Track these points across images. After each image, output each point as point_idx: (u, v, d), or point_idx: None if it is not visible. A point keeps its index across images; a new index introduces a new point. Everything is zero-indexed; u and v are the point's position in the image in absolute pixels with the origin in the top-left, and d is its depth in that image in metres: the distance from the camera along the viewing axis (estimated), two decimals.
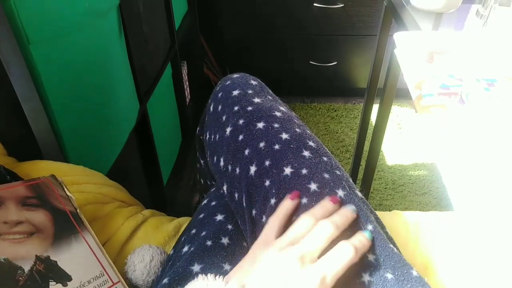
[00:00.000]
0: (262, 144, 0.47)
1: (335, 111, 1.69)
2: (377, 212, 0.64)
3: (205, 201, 0.57)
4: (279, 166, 0.44)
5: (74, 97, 0.60)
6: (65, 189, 0.51)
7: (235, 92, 0.53)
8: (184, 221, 0.64)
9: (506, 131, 0.46)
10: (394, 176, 1.39)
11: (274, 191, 0.43)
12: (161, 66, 1.02)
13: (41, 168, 0.54)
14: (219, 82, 0.59)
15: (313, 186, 0.43)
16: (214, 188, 0.58)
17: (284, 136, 0.47)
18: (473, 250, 0.55)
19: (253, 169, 0.46)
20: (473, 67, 0.54)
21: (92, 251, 0.44)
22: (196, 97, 1.51)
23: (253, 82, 0.56)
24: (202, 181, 0.73)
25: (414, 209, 1.26)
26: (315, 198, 0.42)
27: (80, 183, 0.60)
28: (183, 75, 1.30)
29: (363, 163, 1.34)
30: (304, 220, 0.39)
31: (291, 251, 0.35)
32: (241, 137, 0.49)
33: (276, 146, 0.46)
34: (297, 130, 0.48)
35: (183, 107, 1.26)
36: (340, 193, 0.42)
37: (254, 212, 0.45)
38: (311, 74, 1.66)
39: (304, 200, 0.42)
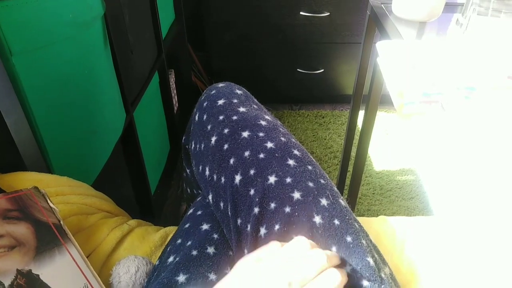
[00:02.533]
0: (247, 153, 0.47)
1: (323, 117, 1.71)
2: (364, 218, 0.64)
3: (191, 211, 0.57)
4: (264, 174, 0.45)
5: (58, 108, 0.60)
6: (48, 201, 0.50)
7: (220, 102, 0.54)
8: (171, 230, 0.63)
9: (485, 138, 0.47)
10: (382, 182, 1.41)
11: (257, 199, 0.44)
12: (148, 75, 1.02)
13: (24, 180, 0.54)
14: (204, 91, 0.59)
15: (296, 195, 0.43)
16: (200, 198, 0.58)
17: (269, 145, 0.47)
18: (456, 254, 0.56)
19: (238, 178, 0.46)
20: (453, 76, 0.55)
21: (76, 263, 0.43)
22: (184, 105, 1.50)
23: (238, 92, 0.56)
24: (188, 190, 0.73)
25: (402, 214, 1.27)
26: (297, 207, 0.42)
27: (65, 194, 0.59)
28: (171, 84, 1.30)
29: (350, 168, 1.35)
30: (300, 243, 0.38)
31: (282, 273, 0.35)
32: (226, 146, 0.49)
33: (261, 155, 0.46)
34: (282, 139, 0.49)
35: (171, 116, 1.26)
36: (324, 202, 0.43)
37: (239, 221, 0.45)
38: (299, 81, 1.68)
39: (287, 209, 0.42)
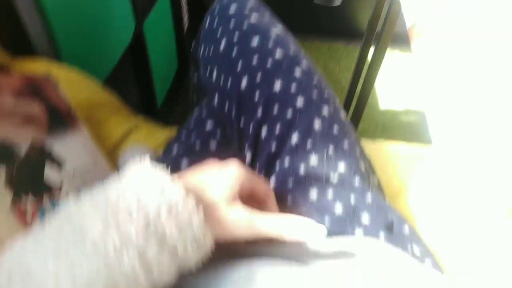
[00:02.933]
0: (255, 59, 0.48)
1: (336, 51, 1.67)
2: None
3: (195, 114, 0.59)
4: (270, 80, 0.46)
5: (71, 5, 0.59)
6: (59, 91, 0.52)
7: (232, 8, 0.53)
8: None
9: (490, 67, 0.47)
10: (385, 119, 1.42)
11: (261, 103, 0.45)
12: None
13: (36, 67, 0.55)
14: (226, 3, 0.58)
15: (299, 102, 0.44)
16: (204, 101, 0.60)
17: (278, 53, 0.48)
18: (446, 179, 0.59)
19: (244, 82, 0.47)
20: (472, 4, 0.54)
21: (87, 143, 0.46)
22: (194, 26, 1.47)
23: (252, 1, 0.55)
24: (195, 99, 0.75)
25: None
26: (299, 113, 0.44)
27: (75, 85, 0.61)
28: (182, 2, 1.26)
29: (355, 103, 1.35)
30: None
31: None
32: (235, 51, 0.49)
33: (269, 62, 0.47)
34: (292, 47, 0.49)
35: (180, 34, 1.24)
36: (325, 111, 0.44)
37: (242, 122, 0.48)
38: (315, 12, 1.62)
39: (289, 114, 0.44)
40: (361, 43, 1.13)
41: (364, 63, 1.17)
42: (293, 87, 0.45)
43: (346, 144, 0.43)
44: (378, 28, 1.02)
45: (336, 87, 1.50)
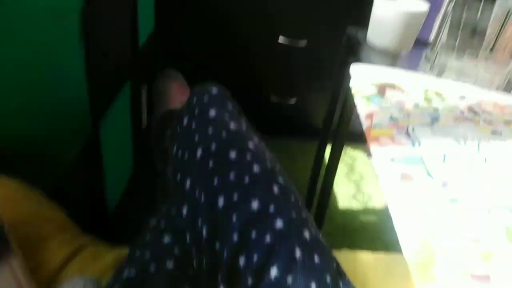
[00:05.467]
0: (232, 176, 0.45)
1: (292, 150, 1.71)
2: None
3: (153, 221, 0.54)
4: (247, 200, 0.43)
5: (18, 101, 0.56)
6: None
7: (212, 113, 0.52)
8: (126, 252, 0.59)
9: (451, 165, 0.47)
10: (346, 220, 1.40)
11: (238, 226, 0.42)
12: (120, 84, 0.99)
13: None
14: (196, 92, 0.58)
15: (279, 224, 0.41)
16: (164, 209, 0.55)
17: (256, 169, 0.46)
18: None
19: (221, 201, 0.44)
20: (420, 103, 0.57)
21: (17, 280, 0.38)
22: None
23: (230, 106, 0.56)
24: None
25: None
26: (279, 238, 0.40)
27: (14, 199, 0.55)
28: (142, 99, 1.27)
29: (315, 204, 1.34)
30: None
31: None
32: (211, 163, 0.47)
33: (246, 179, 0.45)
34: (269, 164, 0.48)
35: (138, 132, 1.22)
36: (306, 235, 0.41)
37: (217, 245, 0.43)
38: (271, 111, 1.67)
39: (268, 239, 0.40)
40: (317, 141, 1.16)
41: (322, 161, 1.19)
42: (272, 207, 0.42)
43: (328, 278, 0.39)
44: (334, 125, 1.06)
45: (295, 187, 1.50)
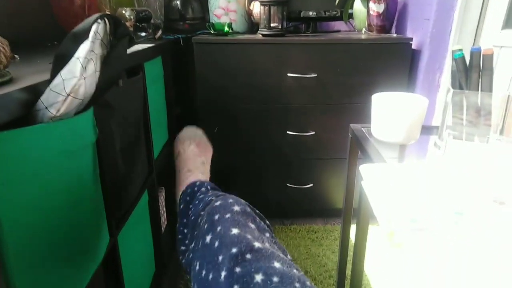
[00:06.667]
0: None
1: (315, 232, 1.67)
2: None
3: None
4: None
5: (36, 237, 0.57)
6: None
7: (235, 231, 0.53)
8: None
9: (478, 263, 0.45)
10: None
11: None
12: (137, 195, 1.01)
13: None
14: (217, 207, 0.58)
15: None
16: None
17: None
18: None
19: None
20: (440, 201, 0.56)
21: None
22: (173, 222, 1.47)
23: (252, 226, 0.56)
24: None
25: None
26: None
27: None
28: (160, 202, 1.29)
29: None
30: None
31: None
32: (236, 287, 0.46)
33: None
34: (297, 285, 0.46)
35: (158, 235, 1.22)
36: None
37: None
38: (289, 196, 1.68)
39: None
40: (340, 220, 1.13)
41: (348, 243, 1.15)
42: None
43: None
44: (354, 204, 1.04)
45: (324, 272, 1.43)
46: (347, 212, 1.07)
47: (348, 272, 1.17)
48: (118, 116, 0.83)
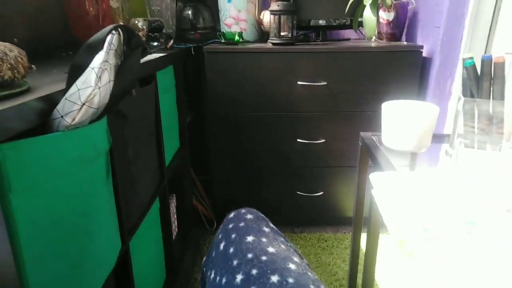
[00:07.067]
0: None
1: (325, 241, 1.66)
2: None
3: None
4: None
5: (49, 244, 0.58)
6: None
7: (249, 238, 0.53)
8: None
9: (491, 272, 0.44)
10: None
11: None
12: (149, 202, 1.02)
13: None
14: (230, 218, 0.59)
15: None
16: None
17: None
18: None
19: None
20: (452, 210, 0.55)
21: None
22: (183, 229, 1.48)
23: (266, 229, 0.56)
24: None
25: None
26: None
27: None
28: (171, 209, 1.30)
29: None
30: None
31: None
32: None
33: None
34: (312, 287, 0.47)
35: (169, 242, 1.23)
36: None
37: None
38: (299, 204, 1.68)
39: None
40: (351, 228, 1.12)
41: (359, 252, 1.14)
42: None
43: None
44: (365, 213, 1.04)
45: (334, 281, 1.42)
46: (358, 220, 1.06)
47: (359, 281, 1.16)
48: (131, 125, 0.85)
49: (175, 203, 1.39)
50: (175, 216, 1.40)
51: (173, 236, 1.32)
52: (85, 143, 0.64)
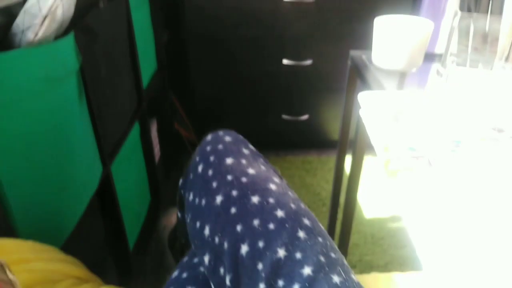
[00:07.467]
0: (256, 222, 0.44)
1: (310, 163, 1.69)
2: (358, 276, 0.61)
3: (175, 273, 0.53)
4: (273, 248, 0.42)
5: (27, 166, 0.56)
6: (8, 272, 0.45)
7: (229, 160, 0.52)
8: None
9: (473, 191, 0.44)
10: (373, 229, 1.36)
11: (264, 275, 0.40)
12: (128, 125, 0.99)
13: None
14: (208, 141, 0.57)
15: (307, 271, 0.39)
16: (186, 258, 0.54)
17: (280, 213, 0.45)
18: None
19: (244, 248, 0.43)
20: (438, 129, 0.54)
21: None
22: (166, 154, 1.47)
23: (245, 151, 0.55)
24: (178, 244, 0.69)
25: (395, 264, 1.22)
26: (308, 285, 0.39)
27: (28, 260, 0.54)
28: (152, 132, 1.27)
29: (340, 216, 1.31)
30: None
31: None
32: (233, 209, 0.46)
33: (271, 225, 0.43)
34: (292, 205, 0.46)
35: (152, 166, 1.22)
36: (336, 279, 0.39)
37: None
38: (284, 128, 1.67)
39: (296, 286, 0.39)
40: (335, 152, 1.14)
41: (342, 173, 1.17)
42: (298, 254, 0.41)
43: None
44: (351, 136, 1.04)
45: (317, 201, 1.47)
46: (343, 142, 1.06)
47: (342, 200, 1.20)
48: (101, 43, 0.78)
49: (156, 127, 1.37)
50: (157, 140, 1.38)
51: (156, 160, 1.32)
52: (51, 61, 0.58)
